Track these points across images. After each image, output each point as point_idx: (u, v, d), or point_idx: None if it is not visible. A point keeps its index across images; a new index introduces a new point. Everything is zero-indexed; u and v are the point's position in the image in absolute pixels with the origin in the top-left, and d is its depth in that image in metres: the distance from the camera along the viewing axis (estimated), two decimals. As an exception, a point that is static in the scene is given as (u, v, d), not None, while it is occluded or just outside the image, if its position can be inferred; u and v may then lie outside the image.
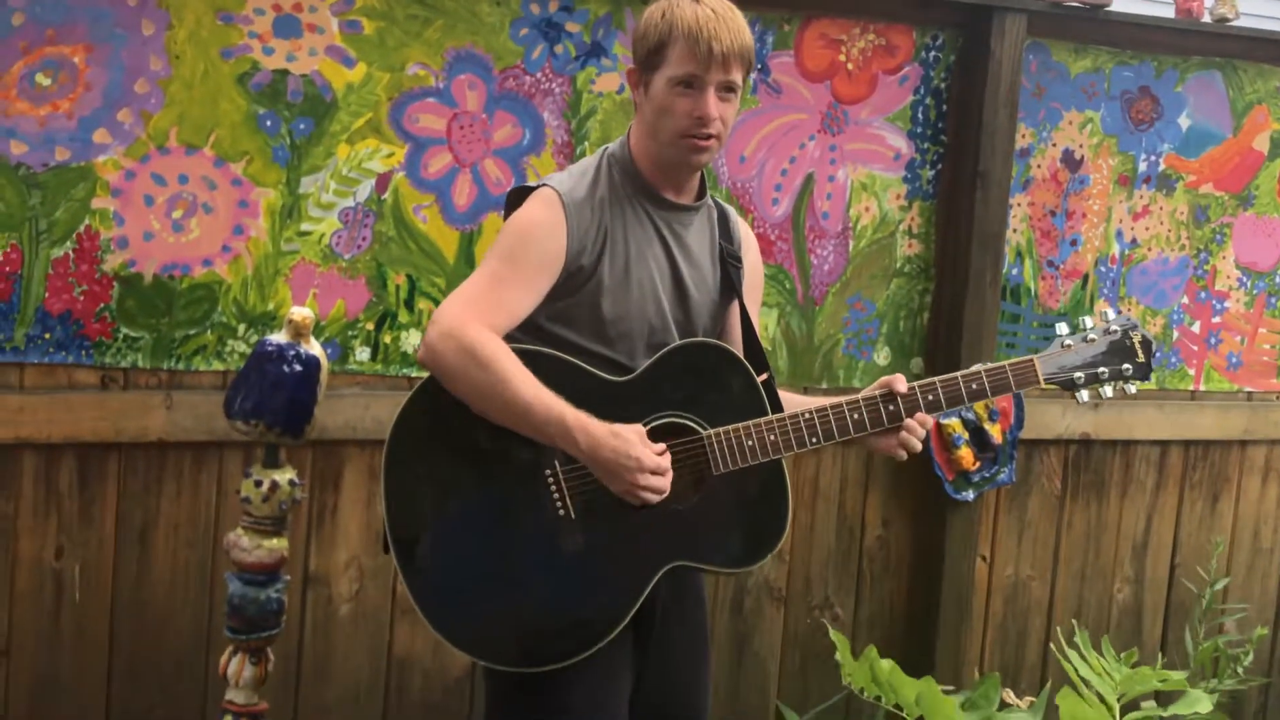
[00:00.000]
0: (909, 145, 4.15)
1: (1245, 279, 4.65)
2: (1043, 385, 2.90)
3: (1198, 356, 4.63)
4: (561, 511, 2.72)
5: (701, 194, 2.92)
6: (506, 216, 2.84)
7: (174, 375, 3.47)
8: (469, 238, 3.66)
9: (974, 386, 2.87)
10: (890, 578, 4.32)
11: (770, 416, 2.80)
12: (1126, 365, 2.93)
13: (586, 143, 3.75)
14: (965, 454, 4.17)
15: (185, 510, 3.53)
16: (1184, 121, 4.47)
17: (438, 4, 3.56)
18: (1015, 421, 4.26)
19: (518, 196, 2.84)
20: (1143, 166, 4.44)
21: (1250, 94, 4.54)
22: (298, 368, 3.02)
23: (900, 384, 2.84)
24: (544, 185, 2.80)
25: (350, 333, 3.59)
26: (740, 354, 2.86)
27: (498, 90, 3.65)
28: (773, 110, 3.97)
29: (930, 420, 2.86)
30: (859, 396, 2.86)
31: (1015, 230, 4.29)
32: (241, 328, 3.49)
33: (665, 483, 2.65)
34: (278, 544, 3.09)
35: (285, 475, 3.09)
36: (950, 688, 3.80)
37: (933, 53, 4.13)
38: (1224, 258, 4.61)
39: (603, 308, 2.77)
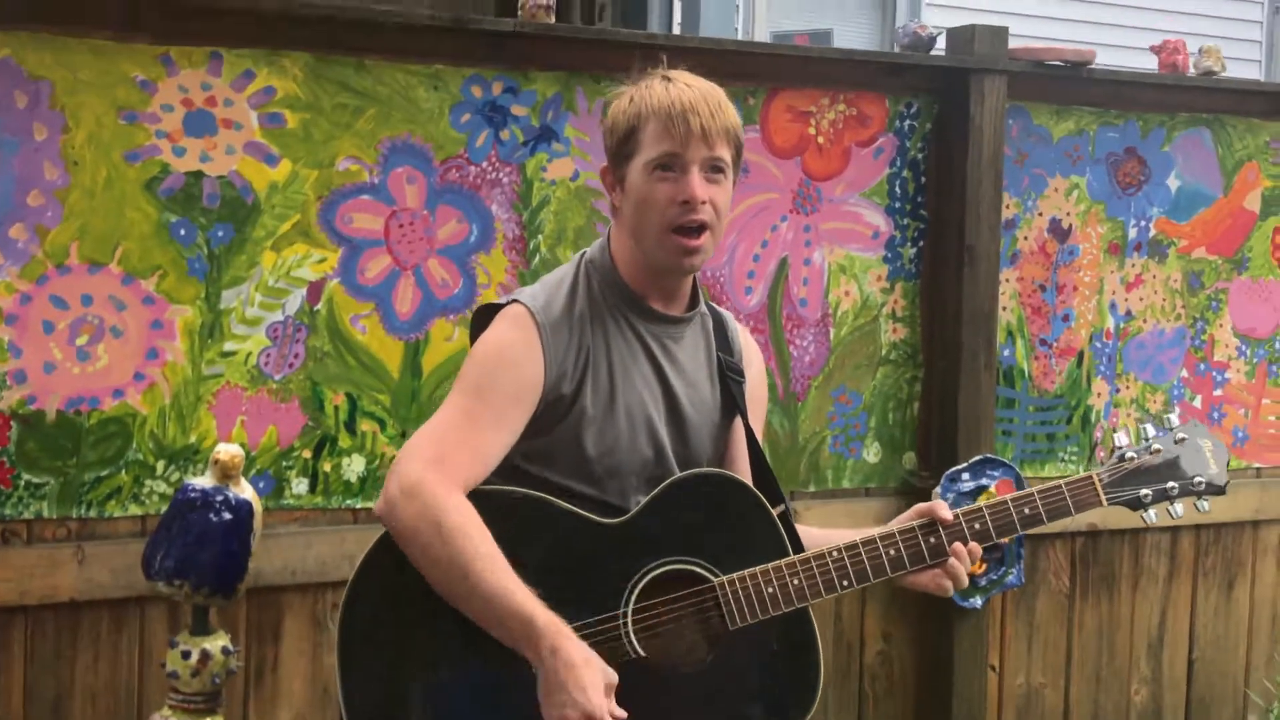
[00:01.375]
0: (887, 222, 3.82)
1: (1244, 347, 4.36)
2: (1105, 506, 2.52)
3: (1202, 433, 4.30)
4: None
5: (694, 302, 2.57)
6: (473, 340, 2.49)
7: (85, 524, 3.06)
8: (414, 348, 3.28)
9: (1027, 512, 2.50)
10: (894, 697, 3.96)
11: (793, 558, 2.42)
12: (1199, 478, 2.56)
13: (540, 235, 3.39)
14: (970, 556, 3.80)
15: (104, 678, 3.10)
16: (1173, 183, 4.20)
17: (369, 90, 3.20)
18: (1020, 517, 3.90)
19: (484, 316, 2.49)
20: (1133, 233, 4.15)
21: (1240, 150, 4.27)
22: (226, 516, 2.61)
23: (943, 511, 2.49)
24: (514, 301, 2.46)
25: (285, 463, 3.20)
26: (750, 484, 2.50)
27: (439, 183, 3.29)
28: (741, 191, 3.61)
29: (978, 550, 2.49)
30: (894, 529, 2.50)
31: (1005, 308, 3.97)
32: (160, 465, 3.09)
33: None
34: (211, 725, 2.66)
35: (217, 643, 2.67)
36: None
37: (908, 121, 3.82)
38: (1221, 326, 4.31)
39: (586, 443, 2.42)
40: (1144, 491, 2.54)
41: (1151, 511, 2.55)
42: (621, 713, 2.20)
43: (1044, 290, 4.05)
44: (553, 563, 2.34)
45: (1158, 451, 2.55)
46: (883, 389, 3.85)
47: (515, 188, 3.37)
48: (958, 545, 2.47)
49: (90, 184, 2.99)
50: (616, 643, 2.33)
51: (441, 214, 3.30)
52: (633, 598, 2.36)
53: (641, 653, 2.33)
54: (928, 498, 3.75)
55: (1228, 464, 2.59)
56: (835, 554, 2.43)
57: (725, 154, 2.41)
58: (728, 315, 2.66)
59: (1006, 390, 3.99)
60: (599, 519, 2.39)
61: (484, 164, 3.33)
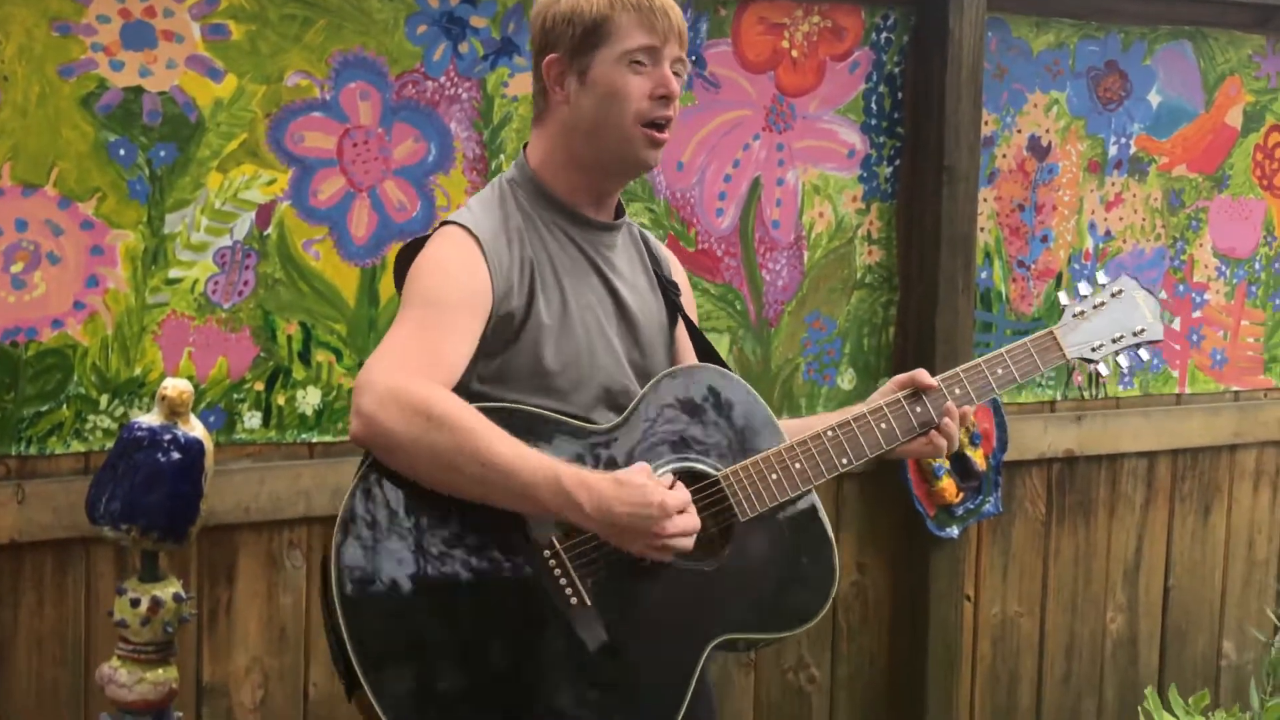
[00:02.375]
0: (863, 140, 3.67)
1: (1224, 268, 4.25)
2: (1068, 359, 2.54)
3: (1180, 356, 4.20)
4: (574, 600, 2.21)
5: (620, 211, 2.47)
6: (398, 284, 2.37)
7: (25, 462, 2.89)
8: (371, 274, 3.11)
9: (999, 371, 2.50)
10: (869, 629, 3.85)
11: (790, 442, 2.39)
12: (1140, 328, 2.60)
13: (502, 155, 3.22)
14: (947, 485, 3.70)
15: (49, 623, 2.94)
16: (1154, 98, 4.07)
17: (319, 1, 3.00)
18: (999, 444, 3.80)
19: (408, 254, 2.36)
20: (1113, 150, 4.02)
21: (1222, 64, 4.14)
22: (175, 456, 2.46)
23: (924, 377, 2.46)
24: (445, 224, 2.34)
25: (236, 396, 3.03)
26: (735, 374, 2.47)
27: (395, 99, 3.11)
28: (712, 107, 3.46)
29: (969, 411, 2.49)
30: (881, 403, 2.47)
31: (982, 229, 3.83)
32: (104, 399, 2.92)
33: (694, 521, 2.19)
34: (164, 675, 2.51)
35: (168, 589, 2.52)
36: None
37: (884, 34, 3.66)
38: (1201, 246, 4.20)
39: (546, 356, 2.30)
40: (1098, 343, 2.56)
41: (1101, 365, 2.57)
42: (671, 479, 2.21)
43: (1022, 210, 3.91)
44: None
45: (1101, 306, 2.58)
46: (857, 314, 3.71)
47: (475, 104, 3.19)
48: (948, 405, 2.45)
49: (22, 101, 2.80)
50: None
51: (397, 132, 3.12)
52: None
53: None
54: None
55: (1160, 314, 2.63)
56: (830, 433, 2.39)
57: (683, 59, 2.36)
58: (636, 225, 2.57)
59: (983, 314, 3.86)
60: (590, 425, 2.29)
61: (442, 79, 3.15)
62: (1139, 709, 2.81)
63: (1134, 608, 4.24)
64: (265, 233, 3.03)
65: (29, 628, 2.92)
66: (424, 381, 2.14)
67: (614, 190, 2.43)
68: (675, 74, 2.33)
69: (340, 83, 3.05)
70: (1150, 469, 4.21)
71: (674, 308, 2.51)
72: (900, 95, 3.70)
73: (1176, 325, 4.19)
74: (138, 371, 2.94)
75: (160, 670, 2.51)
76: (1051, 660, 4.10)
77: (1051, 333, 2.54)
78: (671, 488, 2.18)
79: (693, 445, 2.34)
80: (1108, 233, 4.04)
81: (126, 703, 2.49)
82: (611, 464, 2.26)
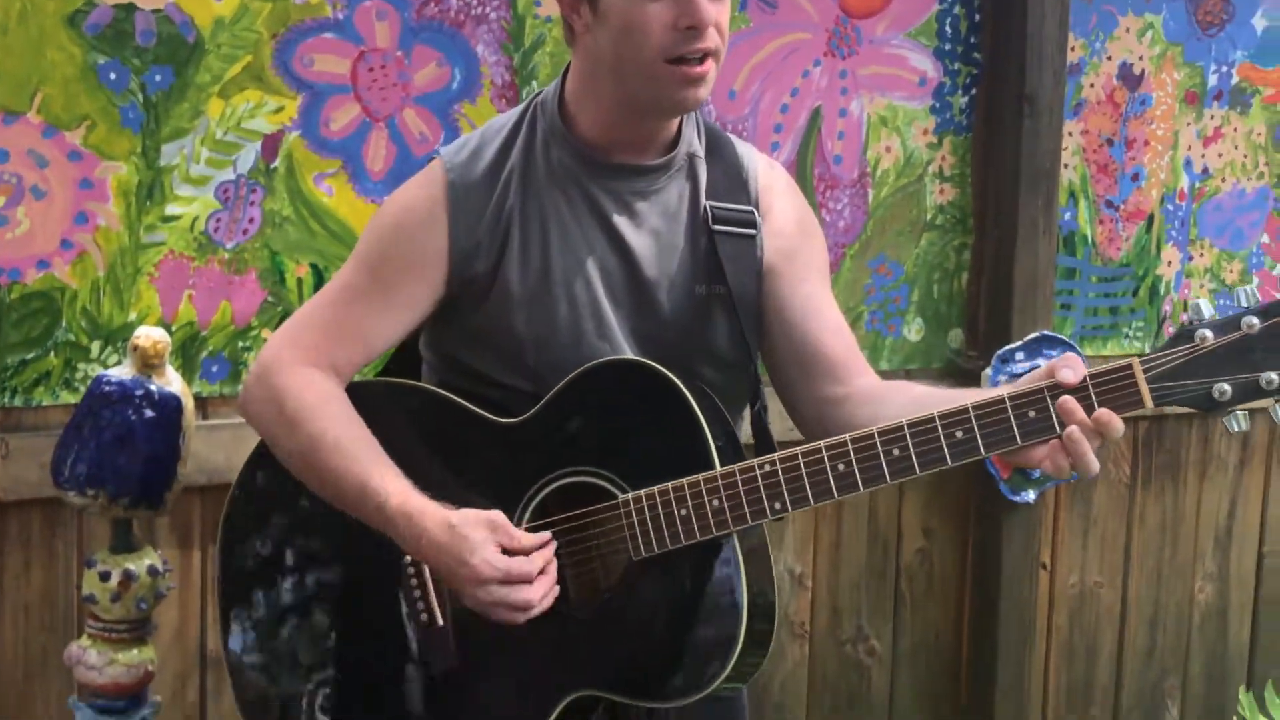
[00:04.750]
0: (936, 67, 3.36)
1: (1333, 209, 3.89)
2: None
3: (1282, 306, 3.85)
4: (425, 617, 1.96)
5: (676, 143, 2.05)
6: None
7: (10, 414, 2.69)
8: (390, 212, 2.84)
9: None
10: (935, 600, 3.58)
11: (719, 470, 1.87)
12: None
13: (534, 81, 2.95)
14: (1024, 446, 3.39)
15: (38, 587, 2.76)
16: (1259, 22, 3.73)
17: (330, -92, 2.74)
18: (1080, 401, 3.48)
19: None
20: (1213, 80, 3.67)
21: (1336, -15, 3.76)
22: (149, 413, 2.21)
23: (1068, 370, 1.76)
24: (436, 154, 2.05)
25: (241, 344, 2.81)
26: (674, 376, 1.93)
27: (415, 19, 2.85)
28: (768, 30, 3.17)
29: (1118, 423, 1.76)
30: (979, 402, 1.81)
31: (1066, 165, 3.51)
32: (95, 347, 2.71)
33: (537, 593, 1.83)
34: (139, 656, 2.27)
35: (143, 561, 2.28)
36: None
37: (960, -51, 3.34)
38: (1307, 186, 3.85)
39: (517, 329, 1.98)
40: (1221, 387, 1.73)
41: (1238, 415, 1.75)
42: (538, 538, 1.87)
43: (1111, 145, 3.59)
44: (432, 473, 1.95)
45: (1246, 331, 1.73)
46: (927, 258, 3.41)
47: (504, 25, 2.92)
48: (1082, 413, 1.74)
49: (1, 19, 2.57)
50: None
51: (418, 55, 2.86)
52: (524, 518, 1.95)
53: None
54: (975, 380, 3.36)
55: None
56: (767, 468, 1.84)
57: None
58: (744, 147, 2.12)
59: (1066, 259, 3.55)
60: (495, 418, 1.98)
61: (468, -3, 2.88)
62: (1235, 716, 2.50)
63: (1224, 577, 3.93)
64: (272, 166, 2.79)
65: (15, 593, 2.75)
66: (300, 371, 1.97)
67: (657, 130, 2.01)
68: None
69: (355, 0, 2.78)
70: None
71: (716, 262, 2.00)
72: (978, 17, 3.39)
73: (1278, 273, 3.84)
74: (132, 317, 2.72)
75: (135, 651, 2.28)
76: (1134, 633, 3.81)
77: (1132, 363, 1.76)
78: (538, 548, 1.85)
79: (605, 457, 1.93)
80: (1205, 170, 3.70)
81: (97, 686, 2.26)
82: (511, 463, 1.96)
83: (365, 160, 2.85)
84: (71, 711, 2.36)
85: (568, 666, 1.93)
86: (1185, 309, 1.73)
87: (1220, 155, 3.71)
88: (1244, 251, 3.79)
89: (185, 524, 2.79)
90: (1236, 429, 1.76)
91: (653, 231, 2.02)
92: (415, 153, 2.86)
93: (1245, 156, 3.75)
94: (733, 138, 2.12)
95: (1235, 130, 3.73)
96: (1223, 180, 3.73)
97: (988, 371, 3.35)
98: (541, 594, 1.84)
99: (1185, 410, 1.77)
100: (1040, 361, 3.35)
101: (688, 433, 1.89)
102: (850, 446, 1.82)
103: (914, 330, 3.43)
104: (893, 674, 3.53)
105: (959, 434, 1.78)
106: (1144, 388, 1.73)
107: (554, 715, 1.92)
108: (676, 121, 2.03)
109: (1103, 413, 1.73)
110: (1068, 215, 3.54)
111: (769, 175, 2.11)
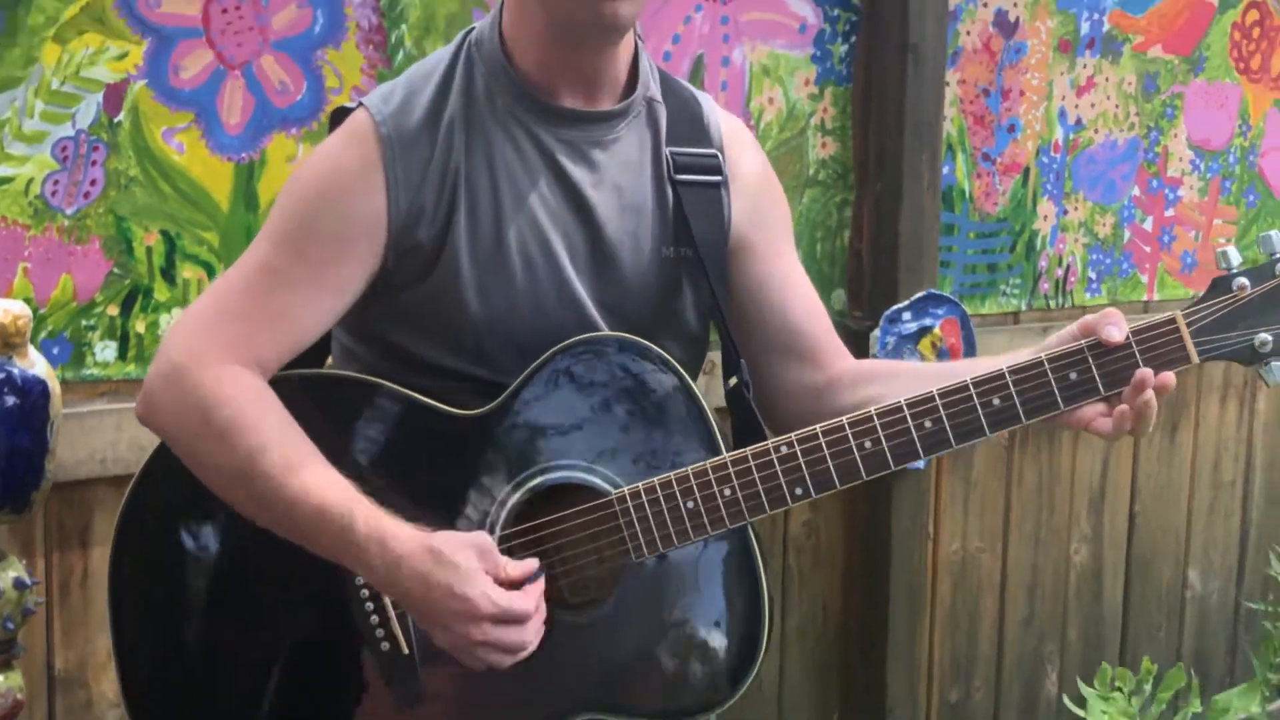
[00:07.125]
0: (816, 12, 3.19)
1: (1198, 161, 3.86)
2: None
3: (1150, 260, 3.81)
4: (387, 645, 1.71)
5: (632, 87, 1.82)
6: None
7: None
8: (247, 171, 2.57)
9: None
10: (822, 573, 3.42)
11: (726, 456, 1.70)
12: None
13: (404, 25, 2.68)
14: (914, 410, 3.25)
15: None
16: (1128, -31, 3.64)
17: None
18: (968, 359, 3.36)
19: (339, 121, 1.80)
20: (1085, 28, 3.59)
21: (1201, -68, 3.71)
22: (10, 400, 1.93)
23: (1113, 327, 1.64)
24: (360, 105, 1.76)
25: (85, 322, 2.48)
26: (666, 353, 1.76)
27: (273, -45, 2.54)
28: (649, -28, 2.94)
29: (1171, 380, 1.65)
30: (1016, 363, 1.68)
31: (945, 117, 3.36)
32: (-84, 330, 2.33)
33: (531, 635, 1.61)
34: (5, 683, 1.98)
35: (7, 574, 1.98)
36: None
37: (842, -112, 3.16)
38: (1175, 136, 3.80)
39: (470, 306, 1.73)
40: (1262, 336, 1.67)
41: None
42: (525, 566, 1.62)
43: (988, 95, 3.46)
44: (376, 483, 1.67)
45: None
46: (810, 215, 3.24)
47: (371, -37, 2.64)
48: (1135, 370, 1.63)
49: None
50: None
51: (277, -4, 2.57)
52: (499, 522, 1.72)
53: None
54: (863, 342, 3.20)
55: None
56: (786, 449, 1.66)
57: None
58: (704, 96, 1.91)
59: (946, 214, 3.41)
60: (452, 410, 1.73)
61: (330, -69, 2.59)
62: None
63: (1098, 537, 3.88)
64: (116, 120, 2.46)
65: None
66: (220, 365, 1.67)
67: (598, 63, 1.77)
68: None
69: (205, -67, 2.49)
70: (1118, 385, 3.83)
71: (682, 218, 1.79)
72: (858, -41, 3.22)
73: (1149, 226, 3.79)
74: (-41, 294, 2.37)
75: (1, 678, 1.97)
76: (1014, 599, 3.73)
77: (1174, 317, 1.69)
78: (528, 579, 1.62)
79: (588, 449, 1.72)
80: (1079, 121, 3.61)
81: (-45, 721, 1.96)
82: (476, 463, 1.71)
83: (220, 112, 2.54)
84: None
85: (558, 687, 1.71)
86: (1222, 260, 1.57)
87: (1093, 106, 3.63)
88: (1116, 205, 3.72)
89: (26, 528, 2.47)
90: (1275, 382, 1.68)
91: (614, 186, 1.79)
92: (275, 103, 2.57)
93: (1117, 107, 3.67)
94: (682, 80, 1.91)
95: (1107, 80, 3.65)
96: (1095, 131, 3.65)
97: (876, 333, 3.20)
98: (534, 636, 1.61)
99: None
100: (928, 321, 3.23)
101: (686, 416, 1.70)
102: (877, 422, 1.68)
103: (799, 291, 3.25)
104: (781, 652, 3.36)
105: (996, 401, 1.64)
106: (1189, 342, 1.66)
107: None
108: (626, 60, 1.80)
109: (1166, 375, 1.63)
110: (946, 169, 3.40)
111: (730, 122, 1.92)
